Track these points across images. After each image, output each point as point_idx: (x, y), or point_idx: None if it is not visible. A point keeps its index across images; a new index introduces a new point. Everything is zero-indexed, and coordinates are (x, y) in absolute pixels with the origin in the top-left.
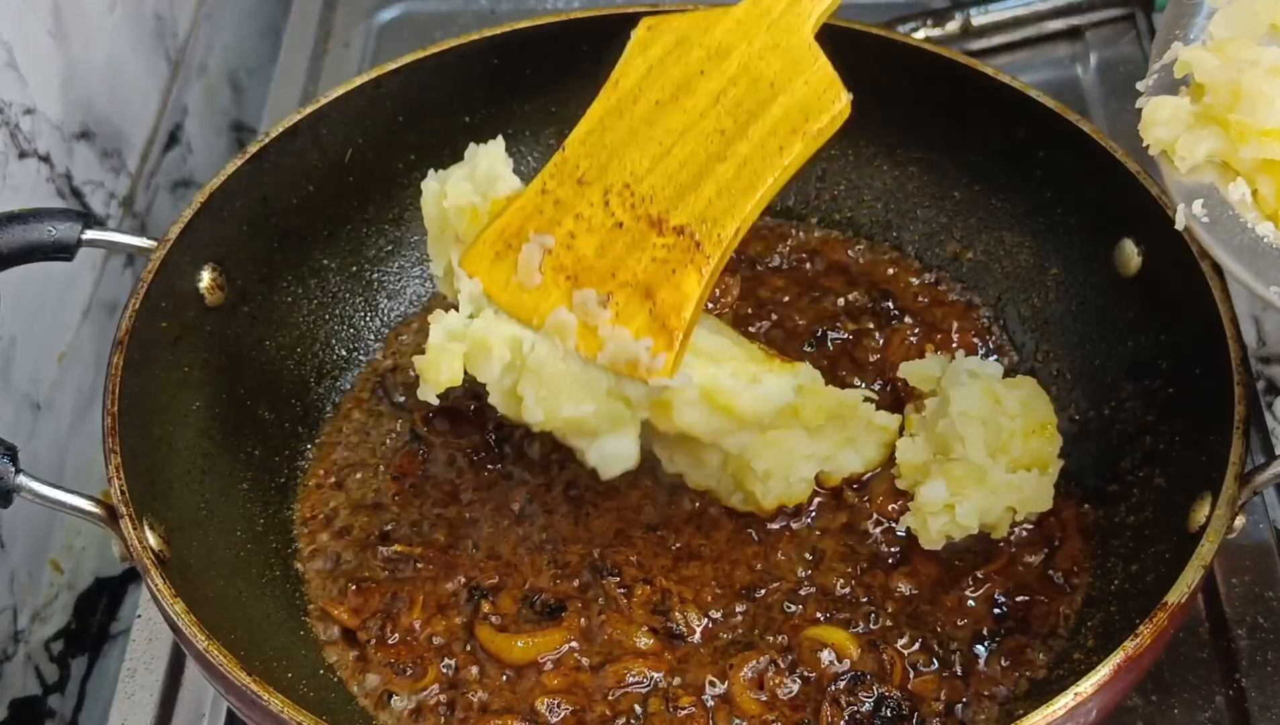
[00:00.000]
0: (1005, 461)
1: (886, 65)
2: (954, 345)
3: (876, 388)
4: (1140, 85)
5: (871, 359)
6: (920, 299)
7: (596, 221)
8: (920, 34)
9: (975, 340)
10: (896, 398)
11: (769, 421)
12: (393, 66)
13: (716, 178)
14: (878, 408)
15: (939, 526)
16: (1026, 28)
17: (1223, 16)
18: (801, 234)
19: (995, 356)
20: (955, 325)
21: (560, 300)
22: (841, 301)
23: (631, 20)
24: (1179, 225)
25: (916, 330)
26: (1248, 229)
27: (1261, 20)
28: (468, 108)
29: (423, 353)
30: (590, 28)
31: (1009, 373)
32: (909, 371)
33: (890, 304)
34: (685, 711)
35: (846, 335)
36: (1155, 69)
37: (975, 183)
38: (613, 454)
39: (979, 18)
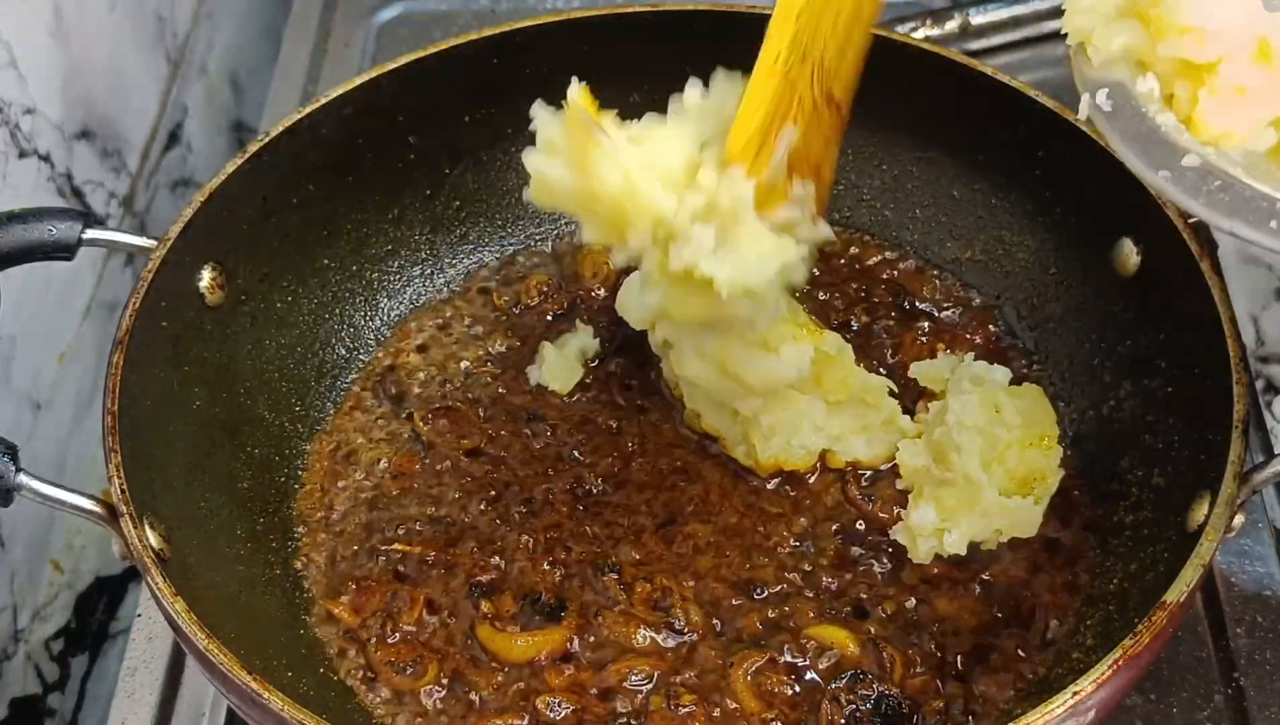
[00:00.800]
0: (1000, 472)
1: (886, 65)
2: (967, 344)
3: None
4: None
5: (886, 355)
6: (928, 298)
7: (806, 104)
8: (920, 34)
9: (980, 341)
10: (911, 395)
11: (777, 389)
12: (392, 66)
13: (852, 39)
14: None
15: (928, 547)
16: (1025, 27)
17: None
18: None
19: (1003, 357)
20: (965, 324)
21: (785, 192)
22: (851, 298)
23: (631, 20)
24: (1081, 114)
25: (925, 327)
26: (1147, 118)
27: None
28: (468, 107)
29: (420, 353)
30: (590, 27)
31: (1017, 378)
32: (920, 371)
33: (904, 302)
34: (686, 710)
35: (858, 328)
36: None
37: (974, 182)
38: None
39: (978, 17)
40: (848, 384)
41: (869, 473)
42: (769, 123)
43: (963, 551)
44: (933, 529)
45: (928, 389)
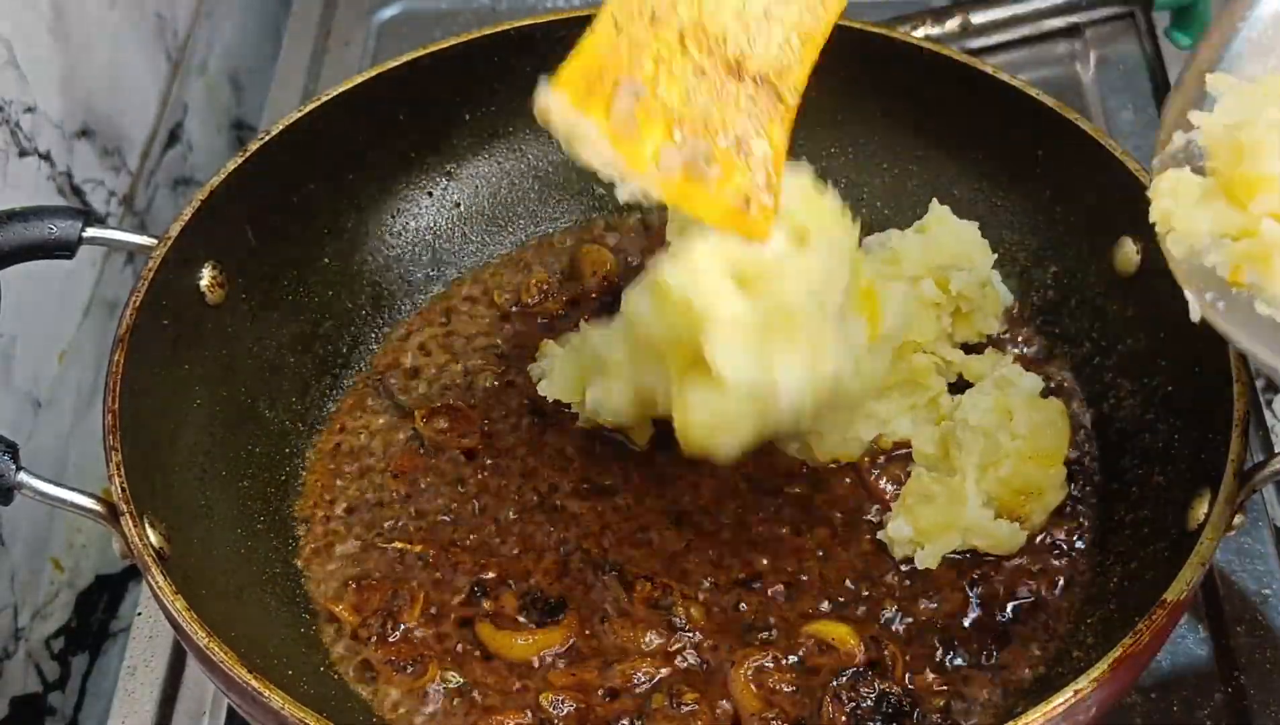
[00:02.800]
0: (993, 479)
1: (886, 64)
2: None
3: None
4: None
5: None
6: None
7: (677, 67)
8: (920, 32)
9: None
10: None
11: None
12: (393, 65)
13: (781, 20)
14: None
15: (903, 552)
16: (1026, 26)
17: (1228, 101)
18: None
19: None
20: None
21: (660, 138)
22: None
23: None
24: (1194, 317)
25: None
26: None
27: (1271, 103)
28: (468, 106)
29: (420, 352)
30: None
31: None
32: (965, 363)
33: None
34: (688, 708)
35: None
36: (1158, 157)
37: (974, 181)
38: None
39: (978, 16)
40: (895, 369)
41: (884, 455)
42: (585, 74)
43: (935, 565)
44: (908, 540)
45: (971, 382)
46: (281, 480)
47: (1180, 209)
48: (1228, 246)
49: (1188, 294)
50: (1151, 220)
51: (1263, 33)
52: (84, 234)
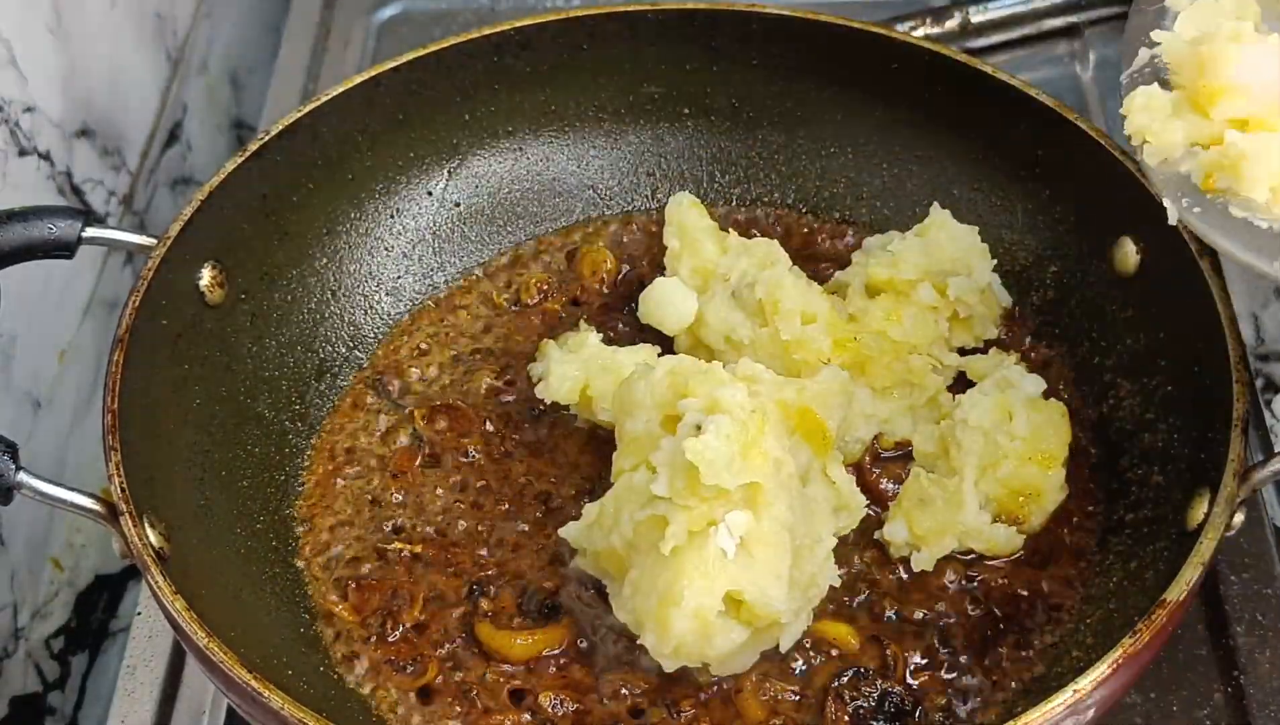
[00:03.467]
0: (992, 479)
1: (886, 63)
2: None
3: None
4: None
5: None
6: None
7: None
8: (919, 32)
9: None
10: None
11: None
12: (392, 64)
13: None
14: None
15: (900, 553)
16: (1025, 25)
17: (1187, 17)
18: (795, 226)
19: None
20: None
21: None
22: None
23: (631, 19)
24: (1171, 220)
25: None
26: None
27: (1227, 17)
28: (468, 106)
29: (420, 352)
30: (590, 26)
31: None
32: (967, 363)
33: None
34: (687, 714)
35: None
36: (1126, 74)
37: (974, 181)
38: None
39: (978, 16)
40: (892, 370)
41: (888, 452)
42: None
43: (930, 568)
44: (904, 542)
45: (972, 381)
46: (281, 480)
47: (1153, 122)
48: (1199, 155)
49: (1165, 200)
50: (1126, 133)
51: None
52: (84, 234)
